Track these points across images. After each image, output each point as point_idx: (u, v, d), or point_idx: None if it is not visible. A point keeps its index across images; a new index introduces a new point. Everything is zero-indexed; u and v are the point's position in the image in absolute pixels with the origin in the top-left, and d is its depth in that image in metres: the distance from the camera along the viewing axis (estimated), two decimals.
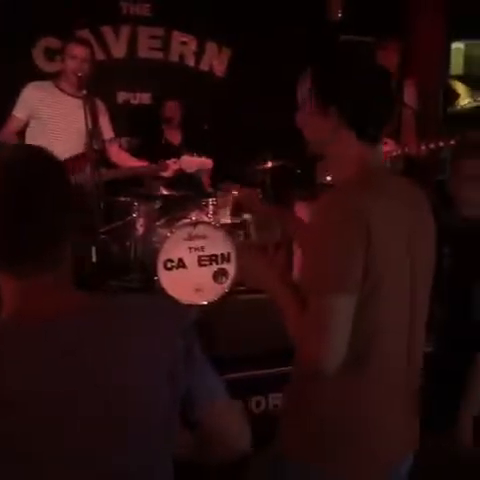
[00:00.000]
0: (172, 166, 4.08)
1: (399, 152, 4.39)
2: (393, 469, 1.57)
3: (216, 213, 4.32)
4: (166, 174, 4.14)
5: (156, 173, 4.24)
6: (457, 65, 6.42)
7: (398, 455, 1.58)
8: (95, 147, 3.72)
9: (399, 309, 1.47)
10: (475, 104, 6.54)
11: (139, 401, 1.07)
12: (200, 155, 4.14)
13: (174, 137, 4.91)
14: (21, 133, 3.90)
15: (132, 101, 5.31)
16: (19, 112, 3.88)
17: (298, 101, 1.58)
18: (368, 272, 1.35)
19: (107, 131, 4.10)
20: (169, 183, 4.44)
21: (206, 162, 4.15)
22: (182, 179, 4.37)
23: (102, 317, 1.09)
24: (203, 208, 4.36)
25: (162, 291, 4.02)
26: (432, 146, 4.27)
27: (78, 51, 3.79)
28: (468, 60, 6.49)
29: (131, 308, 1.14)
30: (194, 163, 4.12)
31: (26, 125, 3.89)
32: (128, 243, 4.27)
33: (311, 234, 1.45)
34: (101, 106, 4.06)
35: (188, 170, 4.12)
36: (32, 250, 1.05)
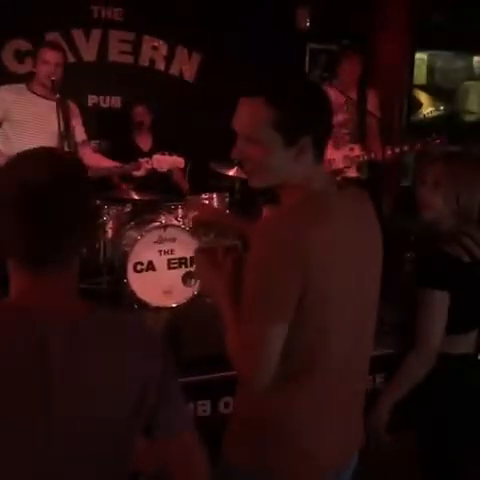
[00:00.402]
0: (144, 165, 4.10)
1: (365, 158, 4.53)
2: (334, 472, 1.60)
3: (185, 216, 4.39)
4: (139, 173, 4.13)
5: (129, 172, 4.26)
6: (420, 75, 6.59)
7: (339, 458, 1.62)
8: (67, 149, 3.75)
9: (345, 325, 1.51)
10: (437, 113, 6.72)
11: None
12: (171, 154, 4.16)
13: (144, 142, 4.94)
14: None
15: (102, 104, 5.34)
16: None
17: (240, 134, 1.48)
18: (307, 297, 1.40)
19: (80, 133, 4.12)
20: (143, 184, 4.47)
21: (177, 161, 4.14)
22: (156, 180, 4.40)
23: (94, 329, 1.16)
24: (172, 211, 4.41)
25: (131, 293, 4.07)
26: (397, 150, 4.42)
27: (51, 56, 3.81)
28: (431, 70, 6.66)
29: (118, 324, 1.21)
30: (166, 162, 4.12)
31: None
32: (98, 246, 4.29)
33: (250, 263, 1.44)
34: (74, 108, 4.08)
35: (160, 169, 4.13)
36: (53, 251, 1.13)
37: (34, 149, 1.18)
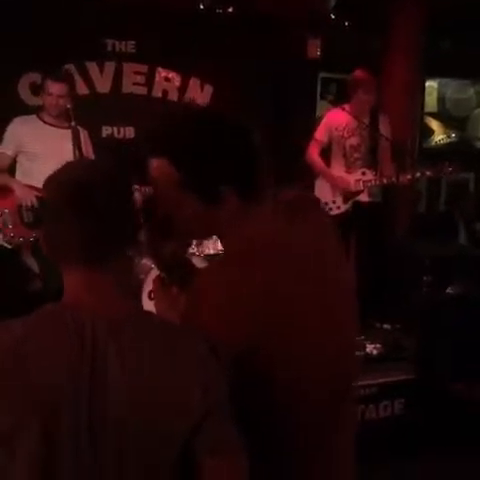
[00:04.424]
0: None
1: (377, 182, 4.53)
2: None
3: (200, 244, 4.39)
4: None
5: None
6: (431, 103, 6.63)
7: None
8: None
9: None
10: (449, 140, 6.74)
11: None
12: None
13: None
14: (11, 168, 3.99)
15: (116, 135, 5.39)
16: (6, 148, 3.95)
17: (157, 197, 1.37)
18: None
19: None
20: None
21: None
22: None
23: (145, 329, 1.16)
24: None
25: None
26: (417, 175, 4.42)
27: (54, 88, 3.88)
28: (441, 98, 6.69)
29: (167, 327, 1.22)
30: None
31: (14, 160, 3.96)
32: None
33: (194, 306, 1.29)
34: (84, 134, 4.13)
35: None
36: (107, 248, 1.17)
37: (78, 159, 1.25)
